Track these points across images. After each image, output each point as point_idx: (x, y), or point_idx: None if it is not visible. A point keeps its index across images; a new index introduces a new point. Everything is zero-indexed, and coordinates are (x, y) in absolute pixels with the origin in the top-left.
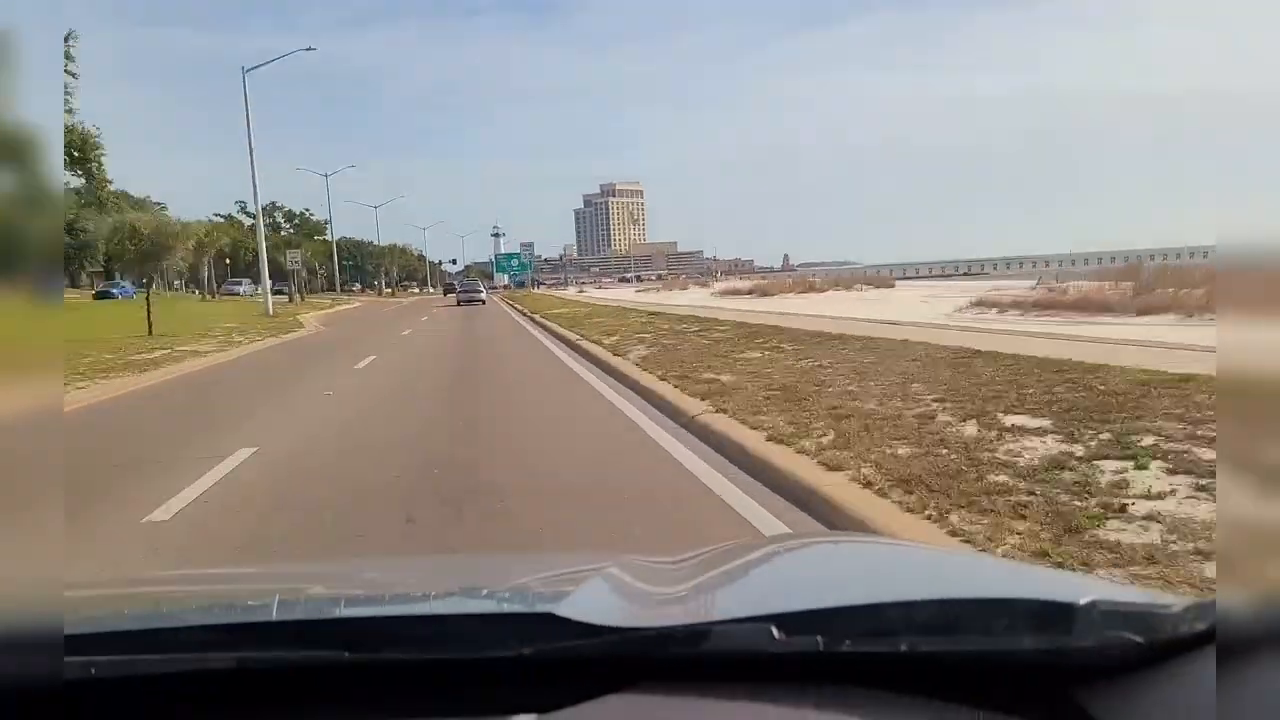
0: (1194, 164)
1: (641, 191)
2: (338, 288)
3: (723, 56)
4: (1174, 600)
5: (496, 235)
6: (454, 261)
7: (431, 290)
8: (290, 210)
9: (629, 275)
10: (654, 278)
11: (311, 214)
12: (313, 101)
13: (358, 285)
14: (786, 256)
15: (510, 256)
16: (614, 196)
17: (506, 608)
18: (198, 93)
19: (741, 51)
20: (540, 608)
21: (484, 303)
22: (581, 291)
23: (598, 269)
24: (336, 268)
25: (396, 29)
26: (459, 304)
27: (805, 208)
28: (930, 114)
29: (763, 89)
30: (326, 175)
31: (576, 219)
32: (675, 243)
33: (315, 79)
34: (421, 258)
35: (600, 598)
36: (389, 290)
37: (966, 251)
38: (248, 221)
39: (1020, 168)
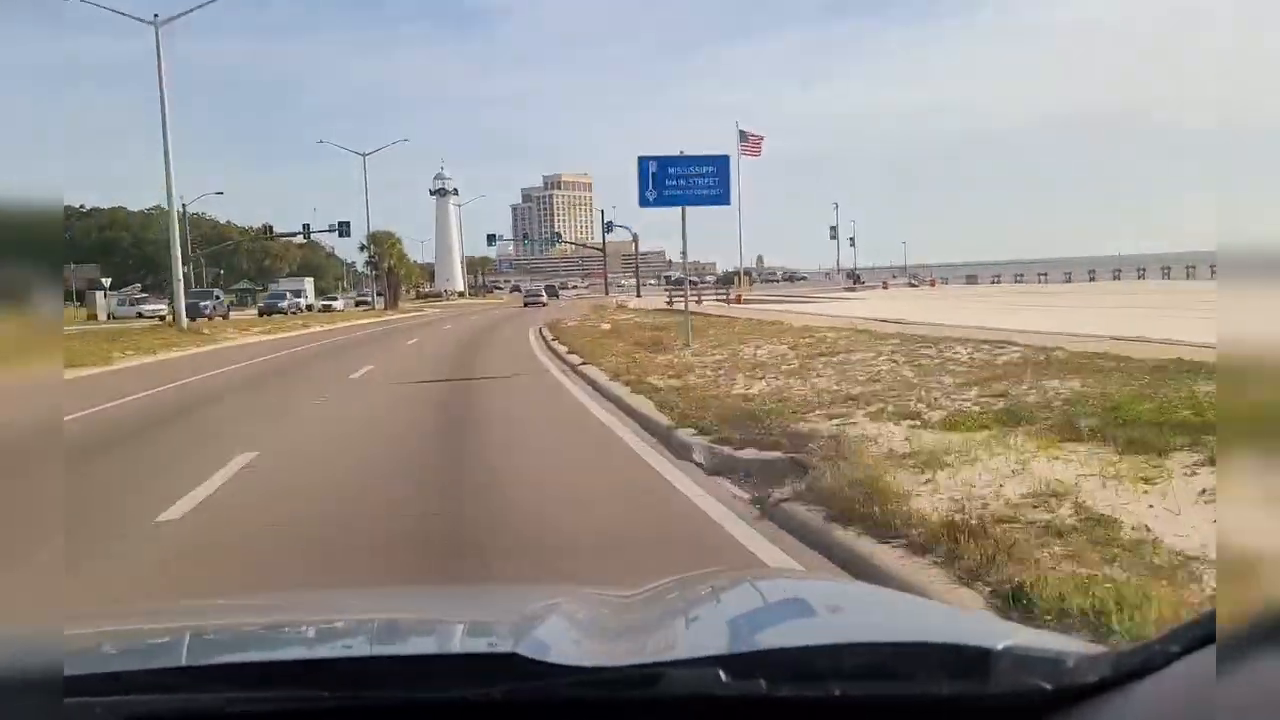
0: (1118, 178)
1: (590, 184)
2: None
3: (658, 61)
4: (1080, 648)
5: (442, 193)
6: (337, 228)
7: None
8: None
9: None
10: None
11: None
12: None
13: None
14: (761, 258)
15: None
16: (559, 189)
17: (475, 647)
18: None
19: (669, 59)
20: (506, 648)
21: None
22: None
23: (554, 269)
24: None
25: (317, 39)
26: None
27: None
28: (856, 123)
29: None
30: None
31: (514, 215)
32: (631, 241)
33: (233, 86)
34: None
35: (561, 636)
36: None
37: (913, 258)
38: None
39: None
